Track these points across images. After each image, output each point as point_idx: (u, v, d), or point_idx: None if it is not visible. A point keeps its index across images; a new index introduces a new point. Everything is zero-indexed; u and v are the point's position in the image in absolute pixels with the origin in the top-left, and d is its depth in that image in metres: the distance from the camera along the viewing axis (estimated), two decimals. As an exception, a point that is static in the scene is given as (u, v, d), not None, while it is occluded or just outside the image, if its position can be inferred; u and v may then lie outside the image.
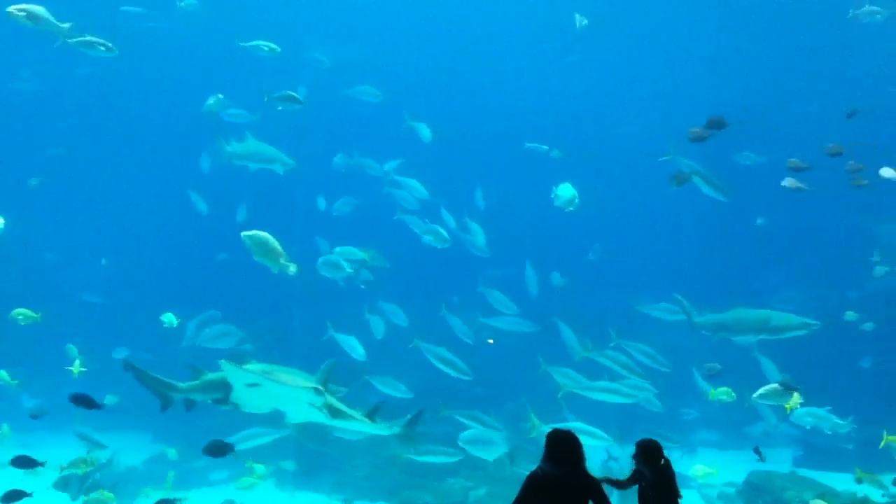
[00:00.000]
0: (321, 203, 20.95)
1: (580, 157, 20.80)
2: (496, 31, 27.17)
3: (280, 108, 15.90)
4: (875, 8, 18.41)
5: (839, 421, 14.65)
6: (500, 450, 14.79)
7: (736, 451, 18.98)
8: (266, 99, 15.78)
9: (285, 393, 11.12)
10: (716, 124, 14.84)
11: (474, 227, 19.20)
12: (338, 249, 17.31)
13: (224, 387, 11.60)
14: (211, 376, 12.01)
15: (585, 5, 21.51)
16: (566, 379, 15.21)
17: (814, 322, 13.64)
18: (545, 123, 24.41)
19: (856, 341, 18.66)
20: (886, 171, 15.03)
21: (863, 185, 15.41)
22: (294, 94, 16.02)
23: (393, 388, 16.10)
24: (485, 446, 14.51)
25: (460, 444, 14.52)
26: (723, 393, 15.30)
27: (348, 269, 16.77)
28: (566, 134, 22.34)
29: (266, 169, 17.52)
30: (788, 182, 15.25)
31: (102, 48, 14.82)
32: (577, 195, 14.96)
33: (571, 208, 15.04)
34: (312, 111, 19.63)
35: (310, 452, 17.60)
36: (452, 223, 18.75)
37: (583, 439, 6.59)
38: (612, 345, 15.98)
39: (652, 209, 25.22)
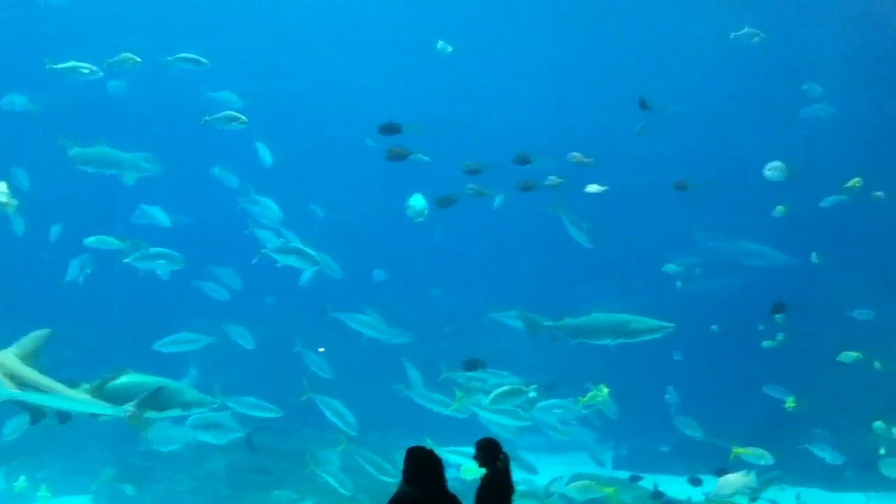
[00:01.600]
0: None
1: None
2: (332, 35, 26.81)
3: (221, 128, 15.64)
4: (754, 30, 19.65)
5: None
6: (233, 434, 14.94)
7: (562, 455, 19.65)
8: (204, 122, 15.42)
9: None
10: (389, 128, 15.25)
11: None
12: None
13: None
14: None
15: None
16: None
17: (668, 324, 13.92)
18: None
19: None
20: (592, 187, 15.73)
21: (587, 162, 16.04)
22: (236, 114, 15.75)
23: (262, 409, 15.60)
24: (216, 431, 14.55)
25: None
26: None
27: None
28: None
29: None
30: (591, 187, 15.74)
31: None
32: (427, 206, 15.08)
33: (422, 219, 15.14)
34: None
35: (133, 467, 16.98)
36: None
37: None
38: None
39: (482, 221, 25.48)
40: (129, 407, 10.91)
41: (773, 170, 16.59)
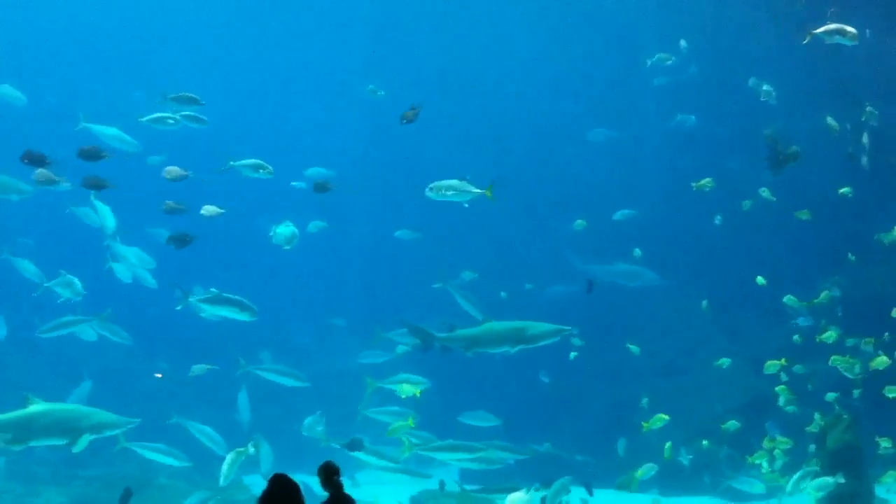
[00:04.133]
0: None
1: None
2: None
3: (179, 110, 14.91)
4: (666, 55, 20.37)
5: None
6: None
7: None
8: (163, 99, 14.82)
9: None
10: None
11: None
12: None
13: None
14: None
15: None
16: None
17: (567, 328, 14.11)
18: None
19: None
20: (208, 209, 15.29)
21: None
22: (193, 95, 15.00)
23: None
24: None
25: None
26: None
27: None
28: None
29: None
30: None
31: None
32: (297, 233, 14.87)
33: (289, 247, 14.92)
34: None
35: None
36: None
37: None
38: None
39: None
40: None
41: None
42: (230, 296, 14.82)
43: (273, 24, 27.11)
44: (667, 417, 14.84)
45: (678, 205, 22.89)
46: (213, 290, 15.08)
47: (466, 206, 14.48)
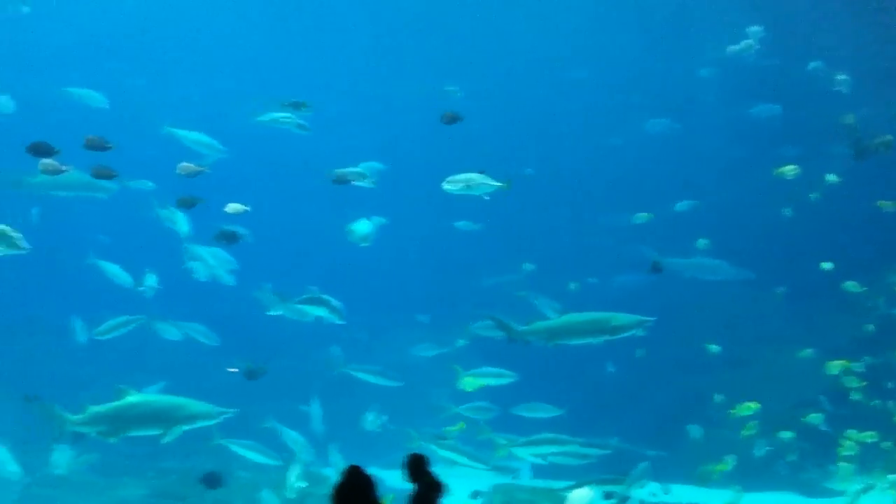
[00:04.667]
0: None
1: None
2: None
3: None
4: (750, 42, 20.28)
5: None
6: None
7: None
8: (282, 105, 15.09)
9: None
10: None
11: None
12: None
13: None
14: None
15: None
16: None
17: (648, 318, 13.72)
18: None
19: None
20: (232, 207, 15.16)
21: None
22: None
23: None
24: None
25: None
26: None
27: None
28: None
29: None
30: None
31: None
32: (373, 231, 14.95)
33: (365, 244, 14.98)
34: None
35: (35, 496, 16.01)
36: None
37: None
38: None
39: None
40: None
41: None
42: (326, 297, 15.00)
43: (333, 21, 27.11)
44: (756, 406, 14.63)
45: (741, 194, 22.68)
46: (312, 288, 15.32)
47: (487, 198, 14.30)
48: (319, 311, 15.12)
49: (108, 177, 14.06)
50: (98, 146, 13.39)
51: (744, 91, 23.31)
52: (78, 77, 21.13)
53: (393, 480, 9.80)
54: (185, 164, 14.59)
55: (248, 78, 23.87)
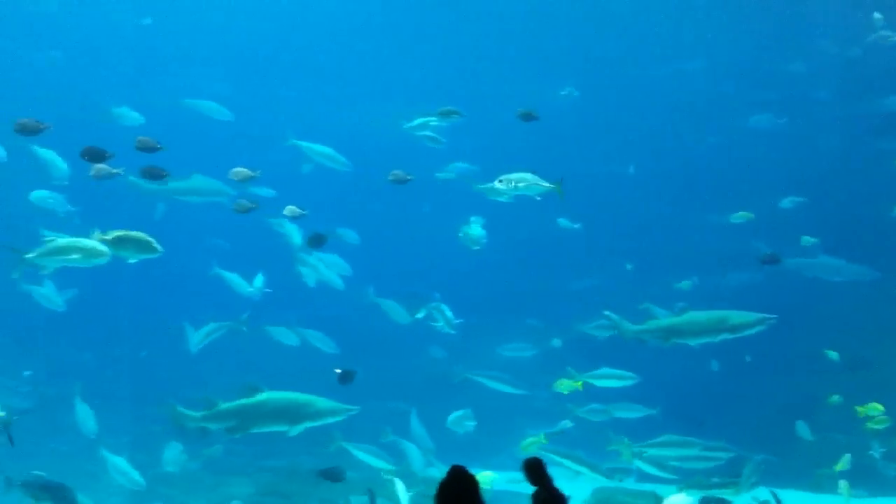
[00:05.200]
0: None
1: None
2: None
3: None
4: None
5: None
6: None
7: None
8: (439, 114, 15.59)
9: None
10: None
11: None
12: None
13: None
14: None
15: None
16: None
17: (771, 316, 13.61)
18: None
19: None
20: (290, 210, 15.43)
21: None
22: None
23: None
24: None
25: None
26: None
27: None
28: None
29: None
30: None
31: None
32: (485, 233, 15.00)
33: (477, 247, 15.04)
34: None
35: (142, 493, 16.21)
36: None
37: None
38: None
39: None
40: None
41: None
42: (443, 306, 15.28)
43: (437, 23, 27.11)
44: (881, 407, 14.02)
45: (849, 191, 21.87)
46: (436, 294, 15.55)
47: (539, 199, 14.08)
48: (437, 323, 15.39)
49: (159, 177, 14.28)
50: (148, 147, 13.77)
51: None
52: (200, 86, 21.84)
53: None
54: (238, 168, 14.95)
55: (359, 83, 24.01)
